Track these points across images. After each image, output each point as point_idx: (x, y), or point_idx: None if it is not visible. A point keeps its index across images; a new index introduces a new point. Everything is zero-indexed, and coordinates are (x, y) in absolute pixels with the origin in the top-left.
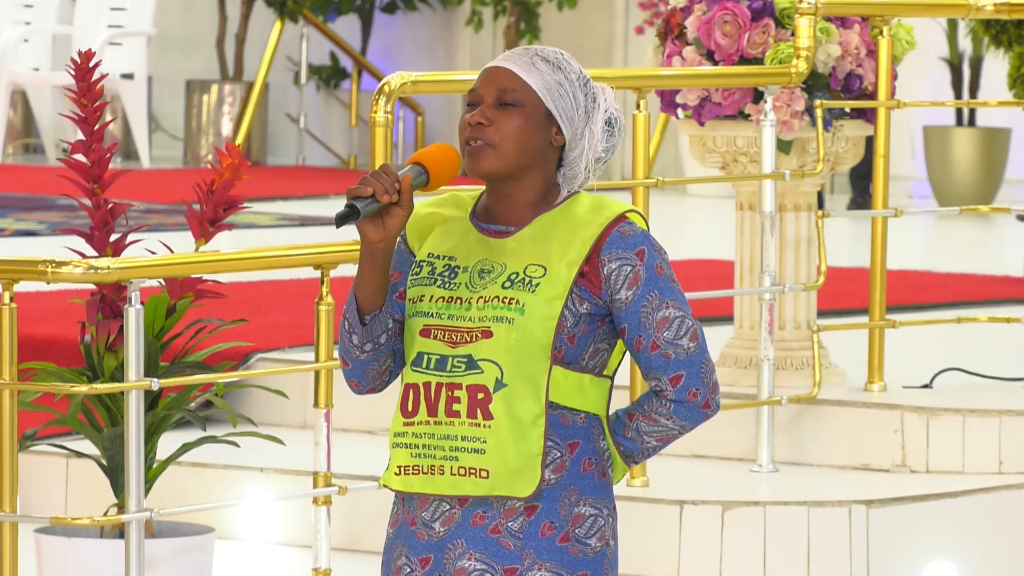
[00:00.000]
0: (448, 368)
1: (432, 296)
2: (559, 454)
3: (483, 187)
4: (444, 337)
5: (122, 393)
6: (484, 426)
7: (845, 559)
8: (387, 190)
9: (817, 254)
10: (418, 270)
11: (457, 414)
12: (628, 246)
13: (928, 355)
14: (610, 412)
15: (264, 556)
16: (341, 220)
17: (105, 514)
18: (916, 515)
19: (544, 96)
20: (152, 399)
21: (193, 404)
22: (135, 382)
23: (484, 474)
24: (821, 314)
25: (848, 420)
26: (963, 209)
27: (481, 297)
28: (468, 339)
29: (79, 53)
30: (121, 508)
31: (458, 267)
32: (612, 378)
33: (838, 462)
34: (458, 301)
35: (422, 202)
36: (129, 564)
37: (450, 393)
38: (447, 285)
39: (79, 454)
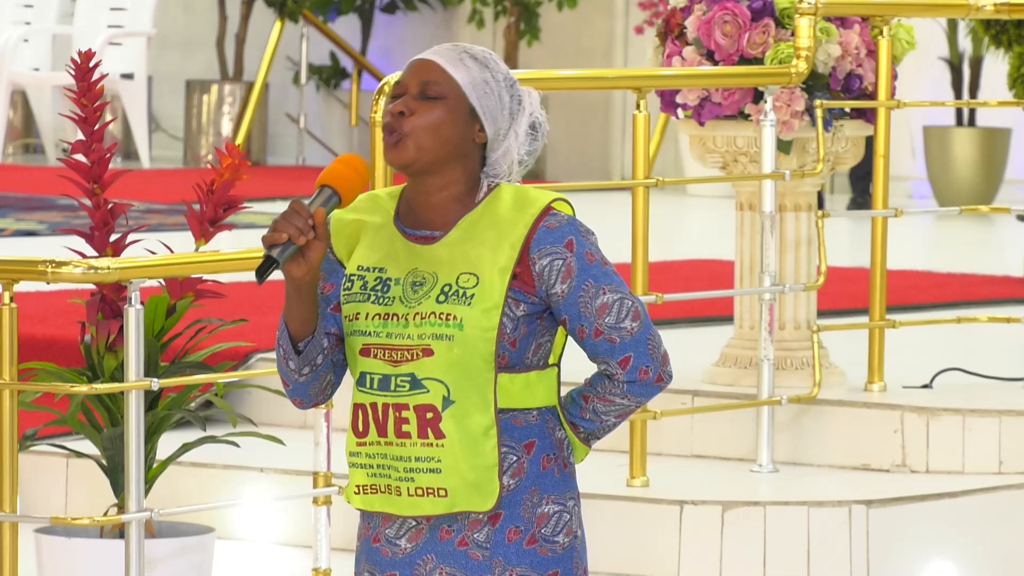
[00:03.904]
0: (392, 388)
1: (368, 313)
2: (515, 458)
3: (402, 185)
4: (384, 356)
5: (122, 393)
6: (437, 445)
7: (845, 559)
8: (302, 231)
9: (817, 254)
10: (349, 285)
11: (407, 435)
12: (556, 239)
13: (928, 355)
14: (562, 394)
15: (264, 556)
16: (262, 274)
17: (105, 514)
18: (916, 515)
19: (468, 92)
20: (152, 399)
21: (193, 404)
22: (135, 382)
23: (442, 493)
24: (821, 314)
25: (848, 420)
26: (963, 209)
27: (417, 313)
28: (409, 357)
29: (79, 53)
30: (121, 508)
31: (389, 279)
32: (558, 365)
33: (838, 462)
34: (394, 318)
35: (334, 233)
36: (129, 564)
37: (397, 414)
38: (381, 300)
39: (79, 454)
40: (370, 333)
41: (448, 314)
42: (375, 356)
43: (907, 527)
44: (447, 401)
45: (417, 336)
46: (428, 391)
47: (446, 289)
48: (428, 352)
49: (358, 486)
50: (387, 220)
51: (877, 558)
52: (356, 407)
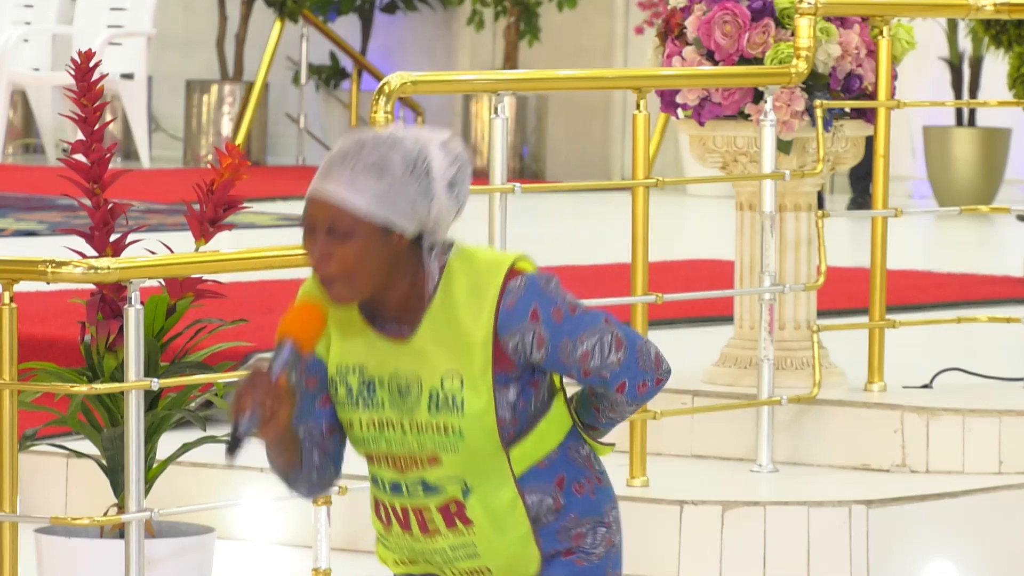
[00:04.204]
0: (405, 492)
1: (360, 421)
2: (551, 500)
3: None
4: (389, 464)
5: (122, 393)
6: (468, 533)
7: (845, 559)
8: (265, 399)
9: (817, 254)
10: (334, 390)
11: (436, 531)
12: (520, 315)
13: (928, 355)
14: (573, 405)
15: (264, 556)
16: (232, 452)
17: (105, 514)
18: (916, 515)
19: (374, 215)
20: (152, 399)
21: (193, 404)
22: (135, 382)
23: (487, 571)
24: (821, 314)
25: (848, 420)
26: (963, 209)
27: (413, 422)
28: (416, 465)
29: (79, 53)
30: (121, 508)
31: (372, 380)
32: (562, 388)
33: (838, 462)
34: (390, 426)
35: (303, 301)
36: (129, 564)
37: (419, 516)
38: (370, 405)
39: (79, 454)
40: (368, 441)
41: (445, 426)
42: (379, 464)
43: (907, 527)
44: (467, 491)
45: (418, 446)
46: (445, 490)
47: (433, 395)
48: (435, 461)
49: (395, 560)
50: (351, 309)
51: (877, 558)
52: (375, 499)
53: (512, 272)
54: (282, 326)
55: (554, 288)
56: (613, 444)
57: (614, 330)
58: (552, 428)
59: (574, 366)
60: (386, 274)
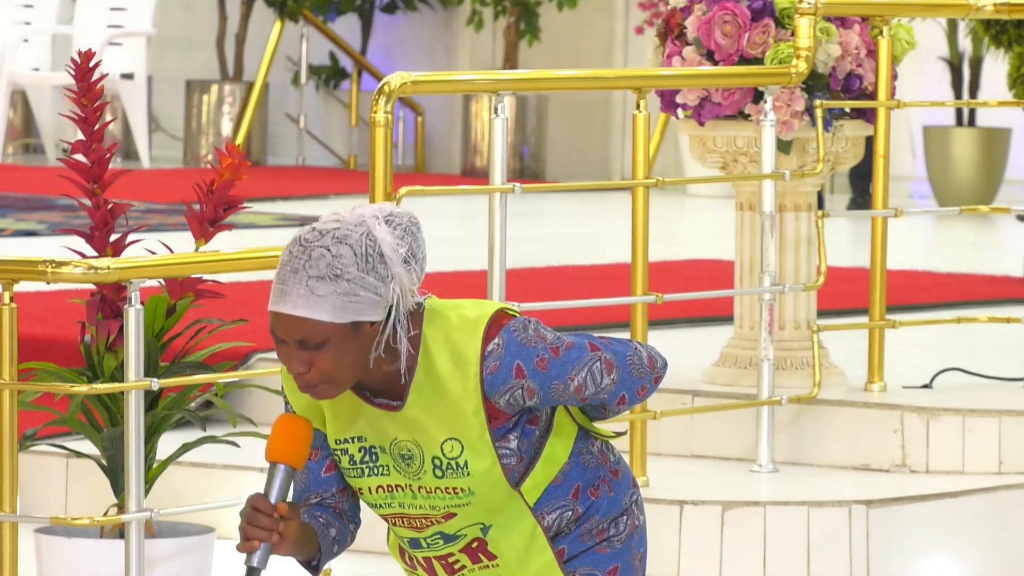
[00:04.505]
0: (425, 546)
1: (370, 487)
2: (570, 512)
3: None
4: (406, 524)
5: (122, 393)
6: (493, 566)
7: (845, 559)
8: (271, 528)
9: (817, 254)
10: (338, 460)
11: (463, 567)
12: (504, 377)
13: (928, 355)
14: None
15: None
16: None
17: (105, 514)
18: (916, 515)
19: (339, 318)
20: (152, 399)
21: (193, 404)
22: (135, 382)
23: None
24: (821, 314)
25: (848, 420)
26: (963, 209)
27: (422, 487)
28: (432, 522)
29: (79, 53)
30: (121, 508)
31: (373, 447)
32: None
33: (838, 462)
34: (399, 489)
35: (288, 392)
36: (129, 564)
37: (443, 560)
38: (375, 471)
39: (79, 454)
40: (381, 505)
41: (454, 488)
42: (395, 524)
43: (907, 527)
44: (486, 529)
45: (430, 507)
46: (465, 535)
47: (437, 463)
48: (450, 516)
49: None
50: None
51: (877, 558)
52: (398, 545)
53: (488, 333)
54: (270, 452)
55: (532, 335)
56: (624, 432)
57: (601, 354)
58: (558, 446)
59: (570, 399)
60: (364, 364)
